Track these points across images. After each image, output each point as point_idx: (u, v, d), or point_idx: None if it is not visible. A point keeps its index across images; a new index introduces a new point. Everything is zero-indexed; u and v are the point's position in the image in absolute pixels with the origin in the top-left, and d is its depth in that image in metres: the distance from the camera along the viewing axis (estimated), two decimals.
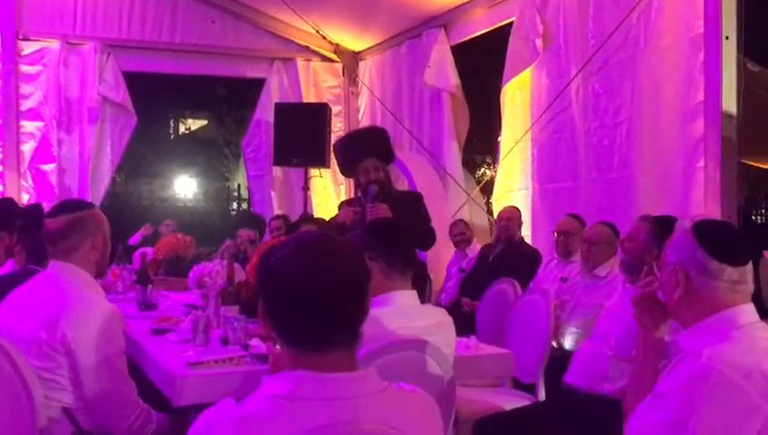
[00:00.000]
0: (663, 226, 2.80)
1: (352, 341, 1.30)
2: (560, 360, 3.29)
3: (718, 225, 1.73)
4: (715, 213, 3.88)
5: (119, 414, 2.21)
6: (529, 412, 2.91)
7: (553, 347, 3.44)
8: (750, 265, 1.65)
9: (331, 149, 4.62)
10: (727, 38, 3.92)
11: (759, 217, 14.04)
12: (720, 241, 1.63)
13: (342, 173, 5.01)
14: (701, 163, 4.05)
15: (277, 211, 7.27)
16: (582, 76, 4.95)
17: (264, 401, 1.23)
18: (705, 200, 4.00)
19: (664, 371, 1.62)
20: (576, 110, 5.05)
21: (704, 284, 1.61)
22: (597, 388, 2.72)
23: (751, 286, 1.65)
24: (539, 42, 5.35)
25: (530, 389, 3.37)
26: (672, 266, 1.65)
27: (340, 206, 4.46)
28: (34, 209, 4.08)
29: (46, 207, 4.65)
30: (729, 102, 3.92)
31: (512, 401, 3.16)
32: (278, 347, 2.27)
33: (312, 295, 1.26)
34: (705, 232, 1.64)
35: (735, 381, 1.45)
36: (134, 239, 6.92)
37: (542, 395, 3.30)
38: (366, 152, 4.12)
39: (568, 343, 3.81)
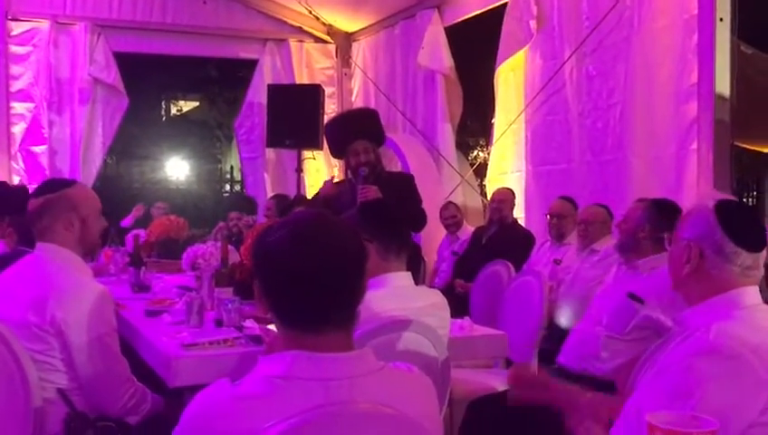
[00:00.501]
0: (658, 206, 2.83)
1: (348, 321, 1.30)
2: (553, 341, 3.31)
3: (740, 208, 1.71)
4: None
5: (112, 394, 2.21)
6: None
7: (547, 328, 3.46)
8: (764, 253, 1.64)
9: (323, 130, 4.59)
10: (721, 20, 3.91)
11: (750, 199, 14.12)
12: (741, 225, 1.61)
13: (333, 155, 4.98)
14: (694, 145, 4.06)
15: (270, 193, 7.26)
16: (576, 58, 4.94)
17: (259, 381, 1.23)
18: (697, 182, 4.02)
19: (667, 344, 1.62)
20: (570, 91, 5.04)
21: (717, 265, 1.60)
22: (589, 368, 2.74)
23: (761, 272, 1.65)
24: (533, 23, 5.33)
25: None
26: (686, 242, 1.64)
27: (324, 183, 4.46)
28: (22, 191, 4.07)
29: None
30: (722, 85, 3.92)
31: (505, 382, 3.17)
32: (274, 328, 2.28)
33: (307, 274, 1.26)
34: (727, 214, 1.62)
35: (744, 356, 1.46)
36: (126, 221, 6.90)
37: None
38: (356, 134, 4.08)
39: (563, 321, 3.84)
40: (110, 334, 2.23)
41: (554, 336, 3.39)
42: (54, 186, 2.38)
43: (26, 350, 2.12)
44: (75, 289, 2.20)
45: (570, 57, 4.98)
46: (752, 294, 1.61)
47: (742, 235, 1.60)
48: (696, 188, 4.01)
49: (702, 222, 1.63)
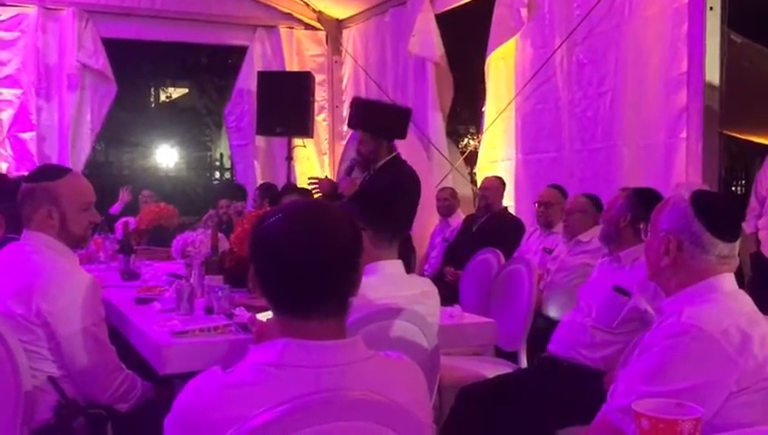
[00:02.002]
0: (639, 195, 2.84)
1: (340, 309, 1.30)
2: (541, 329, 3.33)
3: (716, 198, 1.74)
4: (697, 184, 3.91)
5: (102, 382, 2.22)
6: (512, 380, 2.95)
7: (536, 316, 3.48)
8: (739, 241, 1.67)
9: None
10: (711, 9, 3.92)
11: (739, 189, 14.21)
12: (718, 215, 1.64)
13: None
14: (683, 134, 4.08)
15: (260, 181, 7.24)
16: (567, 46, 4.94)
17: (250, 369, 1.24)
18: (686, 171, 4.04)
19: (646, 334, 1.66)
20: (560, 80, 5.04)
21: (694, 255, 1.63)
22: (578, 357, 2.76)
23: (737, 260, 1.68)
24: (524, 11, 5.32)
25: (512, 357, 3.42)
26: (664, 234, 1.66)
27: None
28: (16, 180, 4.04)
29: None
30: (712, 73, 3.94)
31: (494, 369, 3.20)
32: (262, 316, 2.29)
33: (299, 261, 1.26)
34: (704, 204, 1.64)
35: (713, 337, 1.50)
36: (115, 208, 6.87)
37: (524, 363, 3.35)
38: (358, 124, 4.17)
39: (550, 310, 3.86)
40: (97, 324, 2.22)
41: (542, 325, 3.42)
42: (44, 174, 2.36)
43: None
44: (60, 279, 2.19)
45: (560, 45, 4.98)
46: (728, 280, 1.65)
47: (718, 225, 1.63)
48: (685, 177, 4.03)
49: (679, 214, 1.65)
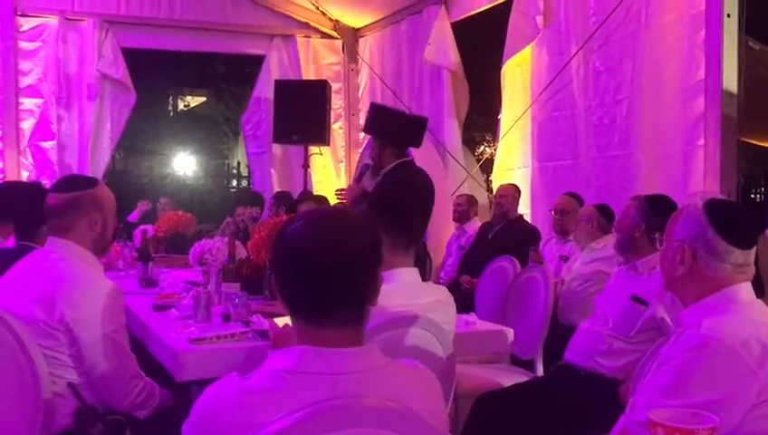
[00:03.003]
0: (652, 203, 2.83)
1: (357, 317, 1.30)
2: (558, 337, 3.32)
3: (730, 206, 1.73)
4: (715, 192, 3.88)
5: (121, 390, 2.23)
6: (528, 389, 2.94)
7: (552, 324, 3.47)
8: (754, 249, 1.66)
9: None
10: (729, 16, 3.90)
11: (758, 196, 14.05)
12: (732, 223, 1.63)
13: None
14: (701, 141, 4.05)
15: (277, 189, 7.28)
16: (583, 54, 4.93)
17: (268, 376, 1.25)
18: (704, 179, 4.01)
19: (664, 345, 1.65)
20: (576, 87, 5.03)
21: (710, 264, 1.62)
22: (595, 366, 2.75)
23: (753, 269, 1.67)
24: (540, 19, 5.32)
25: (528, 365, 3.41)
26: (679, 243, 1.66)
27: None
28: (31, 187, 4.08)
29: (49, 186, 4.66)
30: (730, 81, 3.91)
31: (511, 378, 3.19)
32: (279, 321, 2.30)
33: (313, 268, 1.27)
34: (717, 212, 1.64)
35: (733, 349, 1.49)
36: (133, 216, 6.94)
37: (540, 372, 3.34)
38: (366, 128, 4.21)
39: (568, 319, 3.85)
40: (118, 331, 2.25)
41: (558, 333, 3.40)
42: (78, 184, 2.40)
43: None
44: (85, 286, 2.22)
45: (576, 53, 4.97)
46: (745, 290, 1.63)
47: (733, 233, 1.62)
48: (703, 185, 4.00)
49: (693, 223, 1.65)
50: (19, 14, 6.57)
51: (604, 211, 3.92)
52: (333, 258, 1.27)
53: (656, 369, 1.58)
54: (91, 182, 2.42)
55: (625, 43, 4.61)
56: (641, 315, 2.68)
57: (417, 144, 4.22)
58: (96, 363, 2.19)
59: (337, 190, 4.40)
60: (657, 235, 1.88)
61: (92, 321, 2.17)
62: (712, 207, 1.64)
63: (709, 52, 3.99)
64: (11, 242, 3.24)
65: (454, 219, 5.84)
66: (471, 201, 5.87)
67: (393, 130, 4.13)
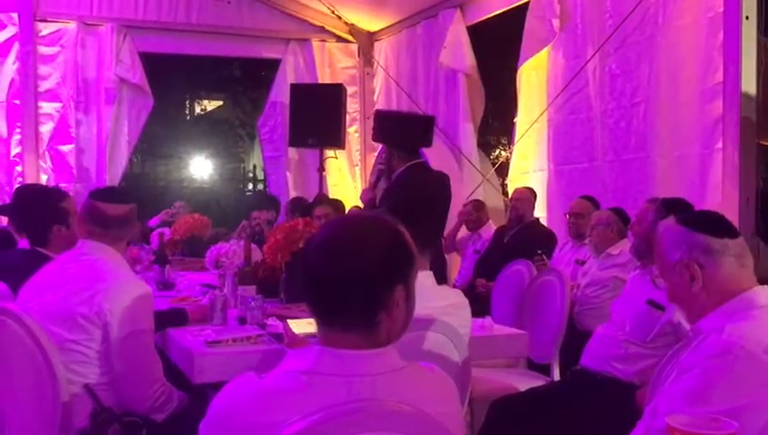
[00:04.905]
0: (670, 207, 2.80)
1: (374, 320, 1.29)
2: (574, 342, 3.30)
3: (692, 209, 1.77)
4: (734, 195, 3.86)
5: (144, 391, 2.27)
6: (544, 393, 2.93)
7: (568, 329, 3.45)
8: (742, 239, 1.67)
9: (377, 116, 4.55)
10: (747, 18, 3.86)
11: None
12: (709, 220, 1.67)
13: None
14: (719, 145, 4.02)
15: (293, 193, 7.30)
16: (599, 56, 4.91)
17: (284, 376, 1.26)
18: (723, 182, 3.97)
19: (683, 350, 1.63)
20: (593, 90, 5.01)
21: (715, 264, 1.62)
22: (612, 370, 2.73)
23: (752, 259, 1.68)
24: (556, 22, 5.30)
25: (544, 369, 3.39)
26: (680, 263, 1.65)
27: None
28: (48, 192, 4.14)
29: (67, 189, 4.73)
30: (748, 83, 3.88)
31: (527, 382, 3.18)
32: (289, 322, 2.31)
33: (321, 276, 1.29)
34: (691, 218, 1.67)
35: (756, 355, 1.47)
36: (153, 222, 6.98)
37: (556, 376, 3.32)
38: (376, 137, 4.24)
39: (584, 324, 3.82)
40: (148, 332, 2.31)
41: (574, 338, 3.38)
42: (126, 196, 2.54)
43: (65, 340, 2.20)
44: (123, 283, 2.30)
45: (593, 56, 4.95)
46: (764, 294, 1.62)
47: (716, 227, 1.65)
48: (722, 188, 3.97)
49: (678, 239, 1.65)
50: (38, 19, 6.64)
51: (620, 214, 3.89)
52: (338, 269, 1.27)
53: (677, 376, 1.56)
54: (127, 194, 2.62)
55: (642, 45, 4.58)
56: (658, 320, 2.66)
57: (426, 144, 4.18)
58: (122, 360, 2.24)
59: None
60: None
61: (128, 316, 2.24)
62: (683, 217, 1.68)
63: (727, 54, 3.95)
64: (24, 243, 3.28)
65: (468, 227, 5.79)
66: (478, 206, 5.80)
67: (396, 133, 4.12)
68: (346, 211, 5.43)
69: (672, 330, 2.62)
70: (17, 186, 6.09)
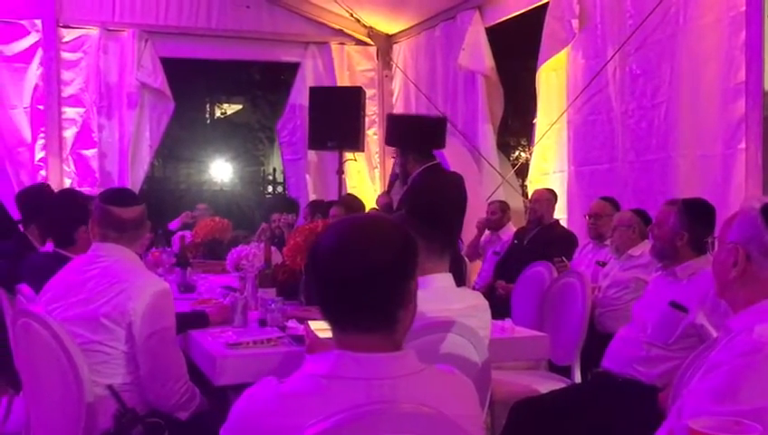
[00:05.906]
0: (691, 209, 2.77)
1: (386, 324, 1.29)
2: (596, 344, 3.28)
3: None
4: (757, 196, 3.81)
5: (170, 386, 2.29)
6: (565, 396, 2.91)
7: (589, 331, 3.42)
8: None
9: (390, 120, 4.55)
10: None
11: None
12: None
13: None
14: (742, 145, 3.97)
15: (312, 195, 7.33)
16: (620, 57, 4.87)
17: (304, 380, 1.26)
18: (746, 183, 3.92)
19: (710, 350, 1.62)
20: (613, 91, 4.97)
21: (763, 266, 1.60)
22: (633, 373, 2.71)
23: None
24: (575, 22, 5.28)
25: (565, 372, 3.37)
26: (732, 245, 1.63)
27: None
28: (43, 190, 4.20)
29: (90, 192, 4.79)
30: None
31: (547, 384, 3.16)
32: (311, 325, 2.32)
33: (335, 278, 1.28)
34: None
35: None
36: (174, 224, 7.05)
37: (577, 378, 3.30)
38: (390, 141, 4.23)
39: (605, 326, 3.80)
40: (171, 329, 2.34)
41: (595, 339, 3.36)
42: (139, 199, 2.56)
43: (90, 341, 2.23)
44: (145, 282, 2.32)
45: (613, 56, 4.92)
46: None
47: None
48: (745, 188, 3.92)
49: (749, 225, 1.62)
50: (61, 25, 6.74)
51: (642, 216, 3.87)
52: (353, 270, 1.26)
53: (704, 374, 1.55)
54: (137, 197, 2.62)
55: (663, 45, 4.54)
56: (680, 322, 2.63)
57: (439, 145, 4.17)
58: (149, 358, 2.27)
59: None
60: (708, 239, 1.84)
61: (151, 314, 2.26)
62: None
63: (750, 53, 3.91)
64: (49, 246, 3.33)
65: (489, 228, 5.77)
66: (504, 207, 5.79)
67: (409, 135, 4.12)
68: (366, 210, 5.42)
69: (695, 332, 2.59)
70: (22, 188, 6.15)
